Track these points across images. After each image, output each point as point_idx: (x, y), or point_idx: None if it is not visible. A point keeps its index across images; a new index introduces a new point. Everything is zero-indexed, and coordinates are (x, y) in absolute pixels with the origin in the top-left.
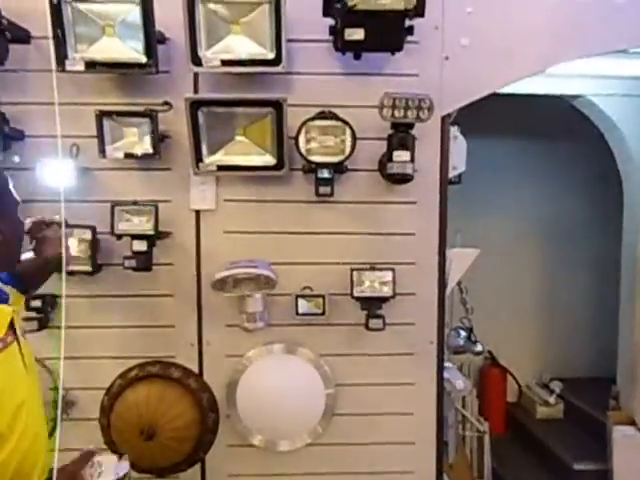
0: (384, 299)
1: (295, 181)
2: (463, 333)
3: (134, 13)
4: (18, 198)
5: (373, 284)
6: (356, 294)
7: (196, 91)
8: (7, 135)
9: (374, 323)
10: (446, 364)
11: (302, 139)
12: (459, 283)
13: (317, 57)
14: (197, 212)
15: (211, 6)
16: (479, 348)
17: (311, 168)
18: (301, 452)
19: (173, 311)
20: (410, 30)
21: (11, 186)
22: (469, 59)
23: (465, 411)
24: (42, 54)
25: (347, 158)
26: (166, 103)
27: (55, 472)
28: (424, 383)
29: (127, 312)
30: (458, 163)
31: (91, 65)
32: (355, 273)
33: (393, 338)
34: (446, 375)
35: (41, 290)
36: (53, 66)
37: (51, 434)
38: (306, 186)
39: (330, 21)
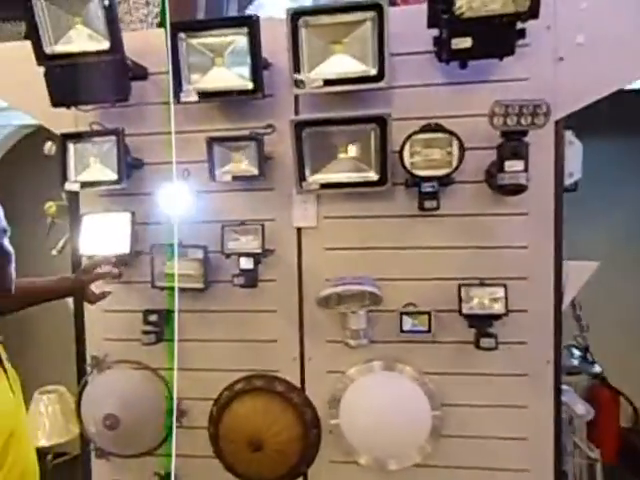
0: (495, 316)
1: (396, 196)
2: (577, 352)
3: (242, 43)
4: (5, 225)
5: (482, 300)
6: (465, 311)
7: (297, 112)
8: (130, 164)
9: (486, 342)
10: (562, 386)
11: (406, 153)
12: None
13: (418, 69)
14: (299, 230)
15: (313, 30)
16: (597, 369)
17: (414, 182)
18: (408, 472)
19: (276, 326)
20: (522, 33)
21: None
22: (586, 58)
23: (574, 436)
24: (157, 88)
25: (454, 170)
26: (269, 126)
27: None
28: (539, 406)
29: (233, 327)
30: (574, 169)
31: (203, 95)
32: (463, 289)
33: (504, 358)
34: (563, 398)
35: (156, 305)
36: (171, 99)
37: (165, 440)
38: (408, 200)
39: (432, 32)
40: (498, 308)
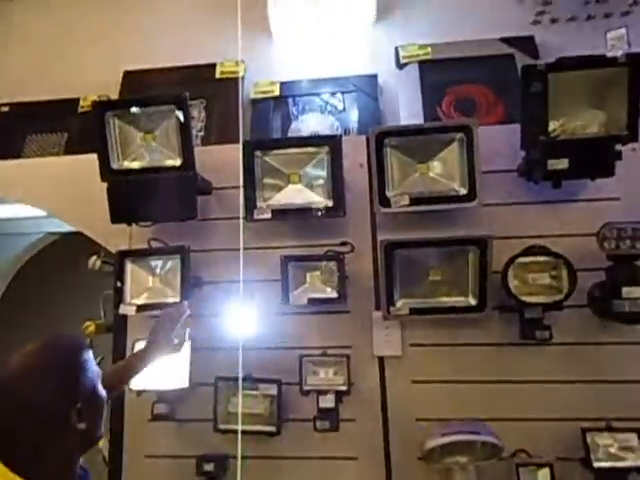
0: (627, 470)
1: (490, 322)
2: None
3: (321, 162)
4: (98, 369)
5: (611, 450)
6: (596, 464)
7: (374, 231)
8: (192, 283)
9: None
10: None
11: (510, 277)
12: None
13: (502, 187)
14: (381, 359)
15: (399, 149)
16: None
17: (512, 308)
18: None
19: (358, 477)
20: (619, 155)
21: (89, 355)
22: None
23: None
24: (221, 203)
25: (566, 297)
26: (344, 244)
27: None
28: None
29: (307, 477)
30: None
31: (278, 213)
32: (588, 435)
33: None
34: None
35: (212, 450)
36: (241, 214)
37: None
38: (504, 327)
39: (512, 151)
40: (633, 459)
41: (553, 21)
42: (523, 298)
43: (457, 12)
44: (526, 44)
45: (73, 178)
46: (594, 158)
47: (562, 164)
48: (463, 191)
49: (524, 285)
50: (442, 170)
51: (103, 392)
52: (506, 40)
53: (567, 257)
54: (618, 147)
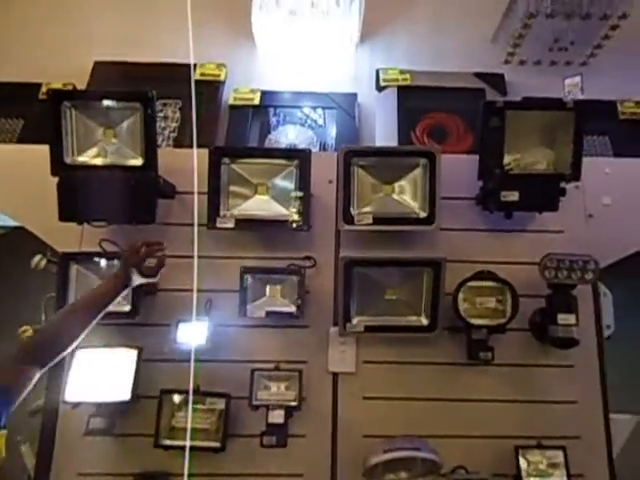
0: None
1: (440, 342)
2: None
3: (290, 175)
4: None
5: (538, 465)
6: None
7: (337, 247)
8: (142, 291)
9: None
10: None
11: (460, 300)
12: None
13: (460, 214)
14: (335, 375)
15: (366, 169)
16: None
17: (461, 329)
18: None
19: None
20: (563, 192)
21: None
22: (613, 217)
23: None
24: (183, 208)
25: (509, 321)
26: (308, 258)
27: None
28: None
29: None
30: (609, 321)
31: (241, 222)
32: (520, 452)
33: None
34: None
35: (152, 467)
36: (195, 221)
37: None
38: (452, 347)
39: (471, 181)
40: (557, 477)
41: (521, 62)
42: (471, 320)
43: (437, 44)
44: (497, 81)
45: (22, 169)
46: (542, 193)
47: (513, 196)
48: (423, 214)
49: (472, 308)
50: (405, 193)
51: None
52: (479, 75)
53: (512, 283)
54: (563, 184)
